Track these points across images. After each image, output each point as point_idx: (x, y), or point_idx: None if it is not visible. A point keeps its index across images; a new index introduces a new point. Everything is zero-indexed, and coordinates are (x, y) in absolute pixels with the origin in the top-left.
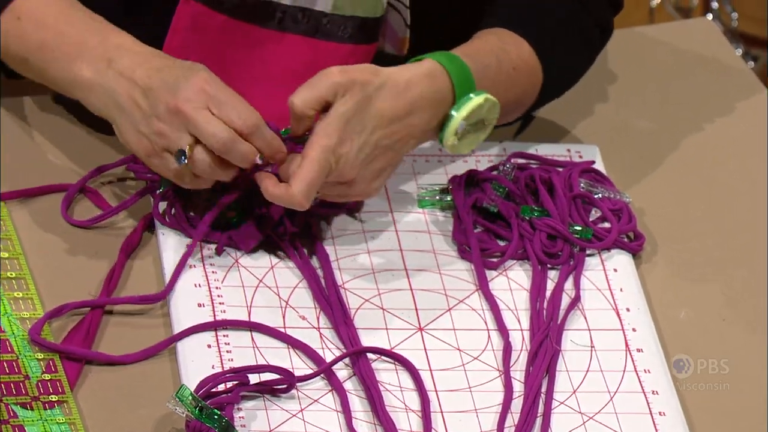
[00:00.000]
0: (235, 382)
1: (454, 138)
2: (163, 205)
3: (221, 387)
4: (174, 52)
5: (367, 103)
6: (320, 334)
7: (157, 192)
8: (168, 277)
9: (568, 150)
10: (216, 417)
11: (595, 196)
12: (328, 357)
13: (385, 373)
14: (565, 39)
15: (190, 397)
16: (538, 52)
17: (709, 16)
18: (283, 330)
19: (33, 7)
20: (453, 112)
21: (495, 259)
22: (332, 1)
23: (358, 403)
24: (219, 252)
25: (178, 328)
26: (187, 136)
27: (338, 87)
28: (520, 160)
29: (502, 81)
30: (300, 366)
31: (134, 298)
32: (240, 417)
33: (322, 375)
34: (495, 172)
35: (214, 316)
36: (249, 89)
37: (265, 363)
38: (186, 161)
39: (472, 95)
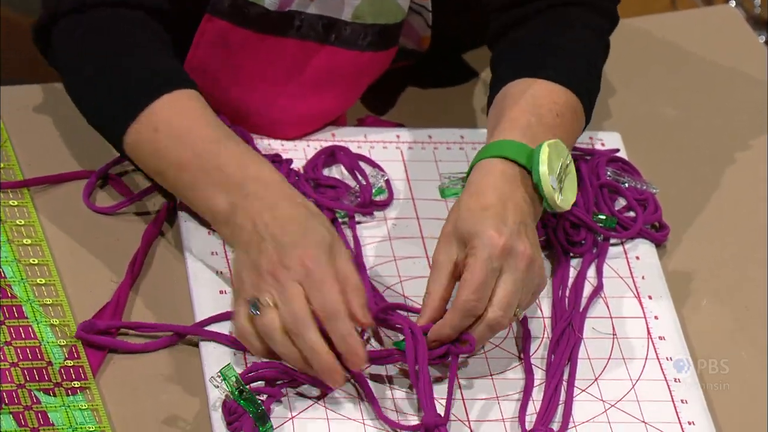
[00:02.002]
0: (280, 369)
1: (557, 194)
2: None
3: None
4: (196, 66)
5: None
6: None
7: None
8: (190, 263)
9: (591, 138)
10: (255, 403)
11: (622, 185)
12: None
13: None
14: (586, 58)
15: (234, 378)
16: (571, 88)
17: (732, 3)
18: None
19: (169, 117)
20: (537, 177)
21: None
22: (353, 10)
23: (375, 390)
24: None
25: (200, 316)
26: (272, 297)
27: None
28: None
29: (550, 131)
30: None
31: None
32: (261, 401)
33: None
34: None
35: None
36: (271, 97)
37: None
38: (257, 313)
39: (537, 153)
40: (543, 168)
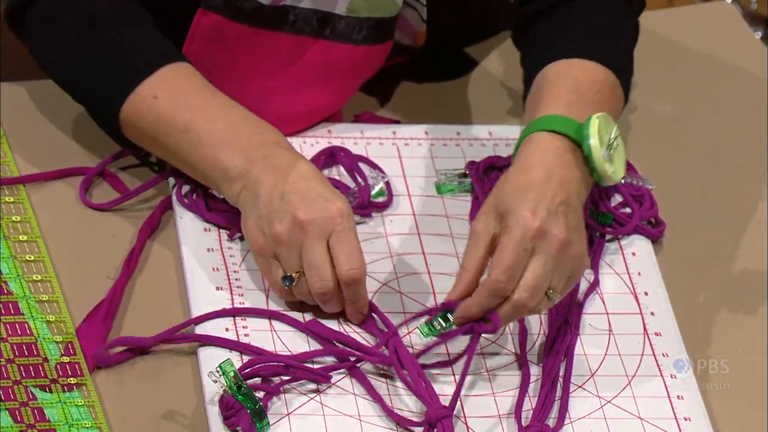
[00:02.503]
0: (281, 364)
1: (608, 165)
2: (183, 189)
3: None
4: (190, 60)
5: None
6: (337, 317)
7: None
8: (186, 260)
9: None
10: (253, 399)
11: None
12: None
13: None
14: (616, 39)
15: (232, 373)
16: (607, 65)
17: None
18: (300, 314)
19: (170, 85)
20: (588, 150)
21: None
22: (347, 4)
23: (377, 387)
24: (231, 237)
25: (196, 312)
26: (298, 259)
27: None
28: None
29: (592, 108)
30: (316, 347)
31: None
32: (258, 397)
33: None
34: None
35: (232, 300)
36: (266, 92)
37: (283, 347)
38: (290, 285)
39: (587, 126)
40: (593, 141)
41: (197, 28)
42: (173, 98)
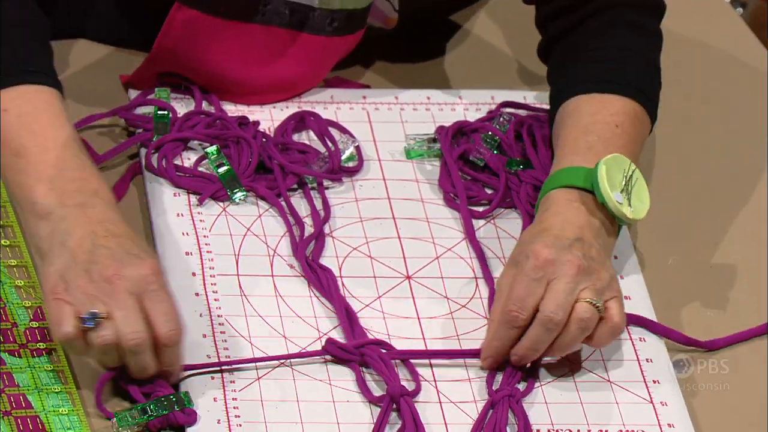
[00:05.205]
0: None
1: (625, 207)
2: (153, 154)
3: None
4: (164, 53)
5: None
6: (308, 282)
7: (152, 141)
8: (155, 224)
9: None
10: (165, 403)
11: None
12: (317, 306)
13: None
14: (636, 58)
15: (129, 417)
16: (624, 94)
17: None
18: (270, 277)
19: (24, 108)
20: (600, 197)
21: (481, 208)
22: None
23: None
24: (201, 202)
25: (166, 276)
26: (103, 307)
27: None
28: (509, 109)
29: (613, 145)
30: (288, 314)
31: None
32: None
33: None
34: (489, 123)
35: (202, 264)
36: (239, 77)
37: (253, 311)
38: (91, 325)
39: (595, 173)
40: (603, 186)
41: (172, 22)
42: (20, 118)
